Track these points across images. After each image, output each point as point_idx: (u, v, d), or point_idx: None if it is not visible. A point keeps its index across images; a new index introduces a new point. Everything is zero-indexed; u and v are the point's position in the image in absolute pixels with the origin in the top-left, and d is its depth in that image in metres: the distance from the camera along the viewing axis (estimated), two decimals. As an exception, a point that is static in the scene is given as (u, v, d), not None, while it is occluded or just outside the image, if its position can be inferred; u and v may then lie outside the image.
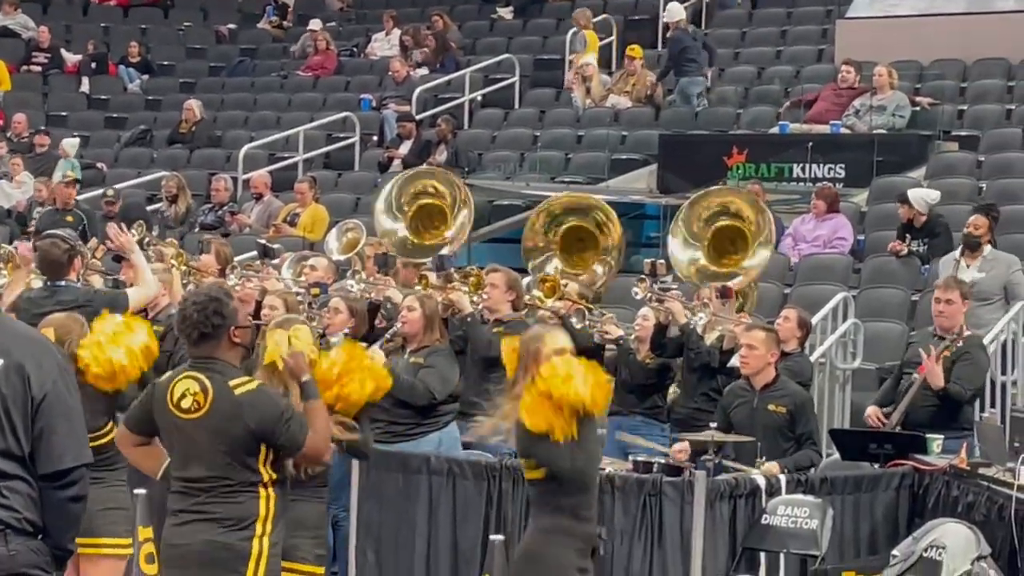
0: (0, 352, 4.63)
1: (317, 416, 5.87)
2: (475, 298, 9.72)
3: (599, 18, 20.42)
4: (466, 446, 9.15)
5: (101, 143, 20.72)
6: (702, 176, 14.93)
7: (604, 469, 7.67)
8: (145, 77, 22.44)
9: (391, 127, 18.59)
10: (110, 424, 6.73)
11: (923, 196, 13.08)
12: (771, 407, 8.62)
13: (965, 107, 16.91)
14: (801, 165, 15.83)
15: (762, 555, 7.99)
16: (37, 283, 9.03)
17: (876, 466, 8.77)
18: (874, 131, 15.84)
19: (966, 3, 18.32)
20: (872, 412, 9.31)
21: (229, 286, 9.22)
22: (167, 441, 5.91)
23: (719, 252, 10.37)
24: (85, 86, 22.31)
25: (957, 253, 11.70)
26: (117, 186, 17.10)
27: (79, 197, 16.20)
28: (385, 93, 19.84)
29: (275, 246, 12.02)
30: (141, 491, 7.22)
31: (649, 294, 9.67)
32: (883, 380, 10.16)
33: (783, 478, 8.15)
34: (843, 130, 16.03)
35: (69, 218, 15.17)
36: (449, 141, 17.62)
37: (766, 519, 7.94)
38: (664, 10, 19.45)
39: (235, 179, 17.58)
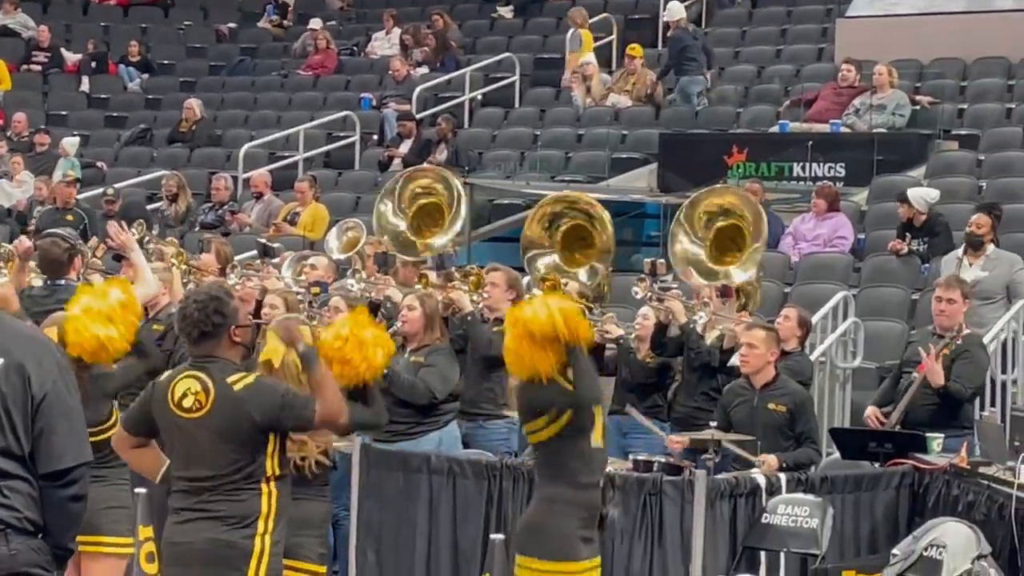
0: (0, 351, 4.63)
1: (323, 382, 5.77)
2: (475, 297, 9.72)
3: (599, 17, 20.43)
4: (466, 445, 9.18)
5: (101, 142, 20.72)
6: (702, 175, 14.92)
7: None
8: (145, 76, 22.44)
9: (391, 126, 18.60)
10: (113, 417, 6.71)
11: (922, 195, 13.08)
12: (771, 406, 8.62)
13: (965, 106, 16.91)
14: (801, 164, 15.83)
15: (762, 554, 7.99)
16: (38, 282, 9.03)
17: (876, 465, 8.77)
18: (874, 130, 15.84)
19: (966, 2, 18.32)
20: (871, 413, 9.31)
21: (229, 285, 9.21)
22: (168, 441, 5.89)
23: (721, 250, 10.34)
24: (85, 85, 22.32)
25: (960, 252, 11.69)
26: (117, 185, 17.10)
27: (79, 196, 16.20)
28: (385, 92, 19.84)
29: (275, 245, 12.03)
30: (141, 490, 7.22)
31: (649, 293, 9.67)
32: (883, 379, 10.16)
33: (783, 477, 8.15)
34: (843, 129, 16.03)
35: (69, 217, 15.17)
36: (449, 140, 17.63)
37: (766, 518, 7.95)
38: (664, 9, 19.45)
39: (235, 178, 17.58)
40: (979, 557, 7.48)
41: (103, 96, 22.10)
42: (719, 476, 8.05)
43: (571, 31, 19.66)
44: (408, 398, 8.91)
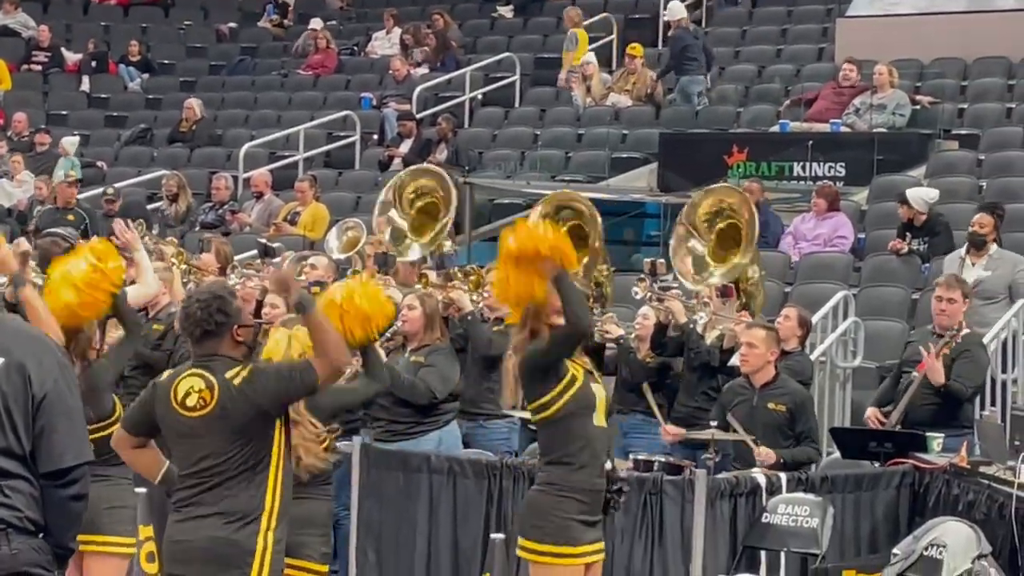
0: (0, 351, 4.63)
1: (320, 330, 5.67)
2: (475, 297, 9.72)
3: (600, 16, 20.44)
4: (466, 445, 9.19)
5: (101, 142, 20.72)
6: (702, 175, 14.92)
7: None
8: (145, 76, 22.44)
9: (391, 126, 18.60)
10: (117, 411, 6.70)
11: (921, 195, 13.08)
12: (771, 405, 8.63)
13: (965, 106, 16.91)
14: (801, 164, 15.83)
15: (763, 554, 8.00)
16: (38, 281, 9.02)
17: (876, 465, 8.78)
18: (874, 130, 15.84)
19: (966, 2, 18.33)
20: (871, 413, 9.31)
21: (231, 285, 9.22)
22: (170, 440, 5.89)
23: (723, 249, 10.35)
24: (85, 85, 22.32)
25: (963, 251, 11.69)
26: (117, 185, 17.11)
27: (79, 196, 16.21)
28: (385, 92, 19.84)
29: (275, 245, 12.02)
30: (141, 490, 7.23)
31: (649, 293, 9.68)
32: (883, 379, 10.16)
33: (783, 476, 8.16)
34: (843, 129, 16.02)
35: (70, 217, 15.17)
36: (449, 140, 17.63)
37: (767, 518, 7.96)
38: (665, 8, 19.46)
39: (235, 178, 17.58)
40: (979, 557, 7.48)
41: (103, 96, 22.10)
42: (719, 476, 8.06)
43: (568, 31, 19.68)
44: (408, 398, 8.92)
